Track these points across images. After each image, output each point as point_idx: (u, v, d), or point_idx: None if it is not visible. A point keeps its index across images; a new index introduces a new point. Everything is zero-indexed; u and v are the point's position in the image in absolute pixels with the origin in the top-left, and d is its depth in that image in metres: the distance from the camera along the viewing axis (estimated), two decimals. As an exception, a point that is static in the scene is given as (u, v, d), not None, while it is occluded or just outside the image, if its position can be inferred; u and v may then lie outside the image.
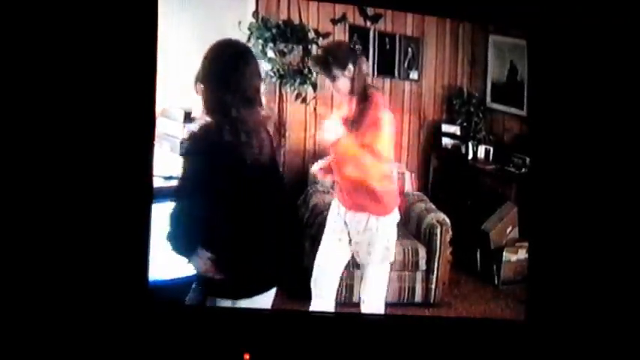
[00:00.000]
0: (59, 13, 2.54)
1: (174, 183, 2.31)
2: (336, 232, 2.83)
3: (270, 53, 3.05)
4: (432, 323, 3.03)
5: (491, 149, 3.43)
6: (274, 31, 3.05)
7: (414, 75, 3.44)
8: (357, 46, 3.20)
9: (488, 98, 3.43)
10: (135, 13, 2.60)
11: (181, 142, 2.59)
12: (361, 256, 2.84)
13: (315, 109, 3.21)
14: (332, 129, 2.70)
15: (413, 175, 3.40)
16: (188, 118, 2.86)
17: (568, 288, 2.95)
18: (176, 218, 2.21)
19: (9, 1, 2.49)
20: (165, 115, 2.85)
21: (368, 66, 2.92)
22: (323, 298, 2.87)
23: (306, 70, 3.11)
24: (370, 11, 3.24)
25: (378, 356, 2.80)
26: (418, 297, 3.15)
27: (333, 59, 2.68)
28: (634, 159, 2.97)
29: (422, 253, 3.15)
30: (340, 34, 3.24)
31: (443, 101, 3.46)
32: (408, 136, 3.45)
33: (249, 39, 3.01)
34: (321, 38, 3.16)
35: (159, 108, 2.72)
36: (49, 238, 2.53)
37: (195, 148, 2.22)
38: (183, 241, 2.24)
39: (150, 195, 2.53)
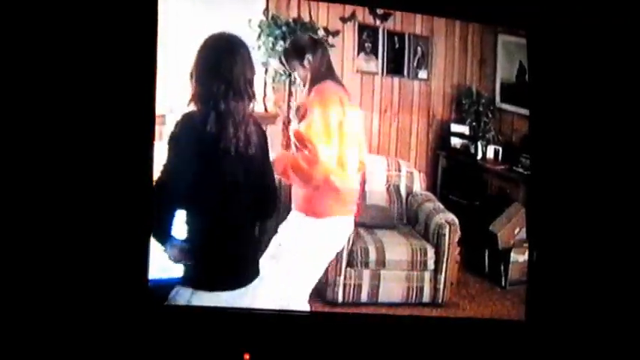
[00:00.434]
0: (59, 13, 2.55)
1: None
2: None
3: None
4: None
5: (500, 149, 3.41)
6: (284, 29, 3.04)
7: (423, 74, 3.42)
8: (325, 41, 3.13)
9: (498, 98, 3.41)
10: (135, 13, 2.61)
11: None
12: None
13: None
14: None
15: (421, 174, 3.39)
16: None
17: (568, 288, 2.95)
18: (155, 205, 2.30)
19: (9, 0, 2.49)
20: (175, 113, 2.84)
21: (325, 59, 2.89)
22: None
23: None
24: (379, 10, 3.23)
25: (378, 356, 2.80)
26: (426, 297, 3.14)
27: (292, 50, 2.82)
28: (634, 160, 2.96)
29: (430, 253, 3.15)
30: (349, 32, 3.23)
31: (452, 101, 3.44)
32: (417, 136, 3.43)
33: (259, 37, 3.01)
34: (330, 36, 3.15)
35: (169, 106, 2.72)
36: (49, 237, 2.53)
37: (176, 136, 2.27)
38: (158, 228, 2.33)
39: (150, 194, 2.51)
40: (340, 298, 3.03)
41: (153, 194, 2.38)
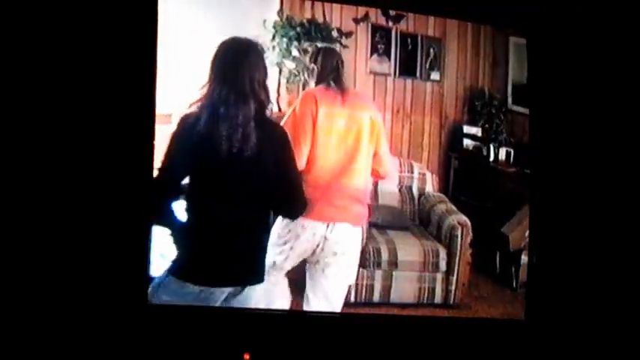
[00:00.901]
0: (59, 13, 2.56)
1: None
2: None
3: (295, 52, 3.05)
4: (446, 324, 3.03)
5: (512, 151, 3.41)
6: (299, 29, 3.05)
7: (435, 76, 3.43)
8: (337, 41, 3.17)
9: (510, 100, 3.41)
10: (135, 12, 2.62)
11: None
12: None
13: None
14: None
15: (434, 175, 3.40)
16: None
17: (568, 288, 2.95)
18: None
19: (9, 0, 2.50)
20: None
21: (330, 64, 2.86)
22: None
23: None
24: (392, 11, 3.23)
25: (388, 357, 2.81)
26: (438, 298, 3.14)
27: (306, 61, 2.89)
28: (636, 162, 2.96)
29: (442, 254, 3.15)
30: (363, 33, 3.24)
31: (464, 102, 3.44)
32: (429, 137, 3.44)
33: (273, 37, 3.02)
34: (344, 37, 3.16)
35: (174, 105, 2.73)
36: (49, 237, 2.53)
37: (175, 134, 2.34)
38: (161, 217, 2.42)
39: (151, 194, 2.53)
40: (352, 298, 3.02)
41: (154, 190, 2.45)
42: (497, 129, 3.42)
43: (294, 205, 2.56)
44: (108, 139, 2.59)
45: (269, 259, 2.59)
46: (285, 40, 3.04)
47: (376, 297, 3.07)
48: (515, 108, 3.40)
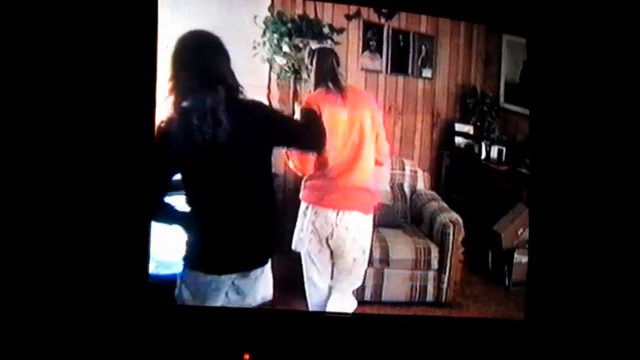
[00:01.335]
0: (59, 13, 2.54)
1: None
2: None
3: (286, 48, 3.04)
4: (438, 323, 3.02)
5: (504, 149, 3.41)
6: (290, 25, 3.03)
7: (427, 73, 3.42)
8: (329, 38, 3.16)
9: (502, 98, 3.41)
10: (135, 12, 2.60)
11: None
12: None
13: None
14: None
15: (425, 173, 3.38)
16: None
17: (567, 287, 2.94)
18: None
19: (9, 0, 2.48)
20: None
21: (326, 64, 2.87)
22: None
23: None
24: (384, 8, 3.23)
25: (381, 356, 2.79)
26: (430, 296, 3.13)
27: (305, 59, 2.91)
28: (634, 159, 2.95)
29: (434, 252, 3.14)
30: (354, 30, 3.23)
31: (456, 100, 3.44)
32: (421, 135, 3.43)
33: (264, 33, 3.00)
34: (335, 33, 3.15)
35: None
36: (49, 236, 2.52)
37: (158, 139, 2.38)
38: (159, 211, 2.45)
39: (150, 191, 2.51)
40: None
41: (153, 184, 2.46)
42: (489, 127, 3.42)
43: (312, 137, 2.64)
44: (108, 137, 2.58)
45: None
46: (275, 36, 3.02)
47: (368, 296, 3.06)
48: (508, 106, 3.41)
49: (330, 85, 2.79)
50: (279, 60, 3.04)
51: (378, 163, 2.94)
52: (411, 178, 3.34)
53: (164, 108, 2.36)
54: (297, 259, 2.89)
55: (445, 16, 3.29)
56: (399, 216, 3.29)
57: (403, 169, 3.33)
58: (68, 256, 2.53)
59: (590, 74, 2.95)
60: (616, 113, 2.95)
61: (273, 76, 3.08)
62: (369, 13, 3.24)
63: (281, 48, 3.03)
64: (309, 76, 2.88)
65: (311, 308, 2.90)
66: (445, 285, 3.14)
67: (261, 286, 2.50)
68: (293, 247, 2.86)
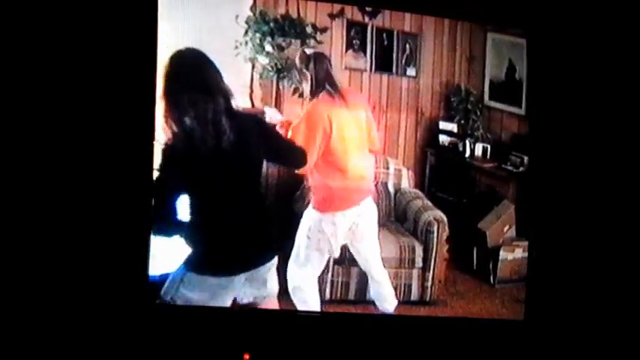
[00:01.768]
0: (59, 12, 2.55)
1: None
2: None
3: (268, 47, 3.03)
4: (422, 321, 3.04)
5: (489, 147, 3.41)
6: (272, 25, 3.03)
7: (411, 71, 3.41)
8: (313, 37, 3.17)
9: (486, 96, 3.41)
10: (135, 12, 2.62)
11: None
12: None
13: (311, 103, 3.18)
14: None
15: (410, 172, 3.38)
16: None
17: (566, 287, 2.95)
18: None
19: (9, 1, 2.49)
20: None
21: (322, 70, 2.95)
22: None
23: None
24: (368, 7, 3.22)
25: (380, 355, 2.81)
26: (414, 295, 3.13)
27: (297, 63, 2.95)
28: (631, 158, 2.96)
29: (418, 250, 3.14)
30: (338, 29, 3.22)
31: (440, 98, 3.43)
32: (405, 133, 3.42)
33: (246, 32, 2.99)
34: (318, 33, 3.14)
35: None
36: (49, 236, 2.54)
37: (162, 164, 2.45)
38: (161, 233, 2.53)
39: (150, 193, 2.52)
40: (327, 296, 3.02)
41: (153, 192, 2.51)
42: (474, 125, 3.41)
43: (295, 159, 2.81)
44: (108, 138, 2.61)
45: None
46: (258, 35, 3.01)
47: (352, 294, 3.07)
48: (492, 104, 3.40)
49: (330, 88, 2.88)
50: (262, 59, 3.03)
51: (373, 151, 3.07)
52: (395, 177, 3.34)
53: (164, 131, 2.40)
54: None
55: (430, 14, 3.28)
56: (383, 215, 3.28)
57: (387, 168, 3.33)
58: (69, 257, 2.56)
59: (586, 73, 2.97)
60: (612, 111, 2.97)
61: (256, 76, 3.07)
62: (352, 12, 3.23)
63: (263, 47, 3.02)
64: (300, 80, 2.94)
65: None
66: (429, 283, 3.14)
67: (272, 279, 2.60)
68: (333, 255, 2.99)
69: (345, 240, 3.00)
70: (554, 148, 3.03)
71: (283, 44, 3.07)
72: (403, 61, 3.39)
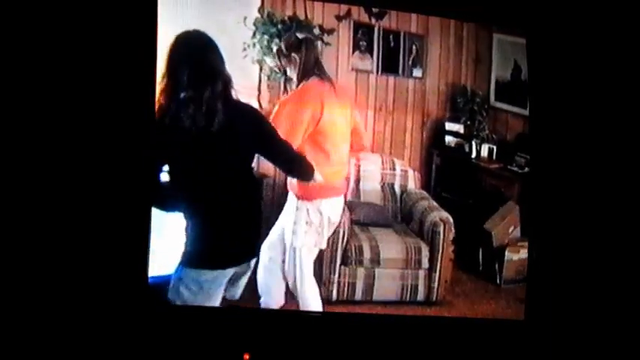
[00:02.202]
0: (59, 12, 2.55)
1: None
2: None
3: (276, 49, 3.03)
4: (429, 322, 3.04)
5: (495, 148, 3.42)
6: (280, 26, 3.03)
7: (417, 73, 3.42)
8: (318, 37, 3.16)
9: (492, 97, 3.41)
10: (135, 12, 2.62)
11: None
12: None
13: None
14: None
15: (416, 172, 3.39)
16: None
17: (567, 287, 2.95)
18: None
19: (9, 1, 2.49)
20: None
21: (312, 55, 2.97)
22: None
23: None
24: (375, 8, 3.23)
25: (380, 355, 2.80)
26: (420, 295, 3.14)
27: (281, 49, 2.94)
28: (633, 158, 2.96)
29: (425, 251, 3.15)
30: (345, 30, 3.23)
31: (446, 99, 3.43)
32: (411, 134, 3.43)
33: (254, 34, 3.00)
34: (326, 34, 3.15)
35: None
36: (48, 236, 2.54)
37: (155, 131, 2.47)
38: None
39: (150, 192, 2.54)
40: (334, 297, 3.03)
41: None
42: (480, 126, 3.42)
43: (302, 168, 2.79)
44: (107, 137, 2.61)
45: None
46: (266, 37, 3.02)
47: (358, 295, 3.07)
48: (498, 105, 3.41)
49: (320, 73, 2.90)
50: (269, 61, 3.04)
51: (363, 147, 3.11)
52: (401, 178, 3.35)
53: (157, 103, 2.43)
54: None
55: (436, 15, 3.29)
56: (390, 215, 3.30)
57: (394, 169, 3.34)
58: (67, 257, 2.55)
59: (587, 74, 2.97)
60: (614, 112, 2.97)
61: (263, 77, 3.08)
62: (359, 14, 3.24)
63: (271, 49, 3.03)
64: (283, 65, 2.95)
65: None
66: (436, 284, 3.15)
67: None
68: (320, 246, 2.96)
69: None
70: (554, 149, 3.03)
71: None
72: (409, 62, 3.40)
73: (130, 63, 2.62)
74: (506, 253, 3.26)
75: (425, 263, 3.15)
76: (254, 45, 3.02)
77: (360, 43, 3.27)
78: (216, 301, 2.55)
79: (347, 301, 3.03)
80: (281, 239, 2.91)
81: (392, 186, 3.33)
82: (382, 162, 3.32)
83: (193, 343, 2.66)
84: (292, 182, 2.94)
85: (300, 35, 2.98)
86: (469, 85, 3.39)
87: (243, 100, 2.66)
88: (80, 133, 2.58)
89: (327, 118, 2.87)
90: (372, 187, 3.28)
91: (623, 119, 2.99)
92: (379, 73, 3.33)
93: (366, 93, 3.31)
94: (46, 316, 2.53)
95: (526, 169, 3.26)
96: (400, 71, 3.39)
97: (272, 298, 2.88)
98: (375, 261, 3.09)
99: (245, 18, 2.99)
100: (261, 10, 3.03)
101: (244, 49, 2.97)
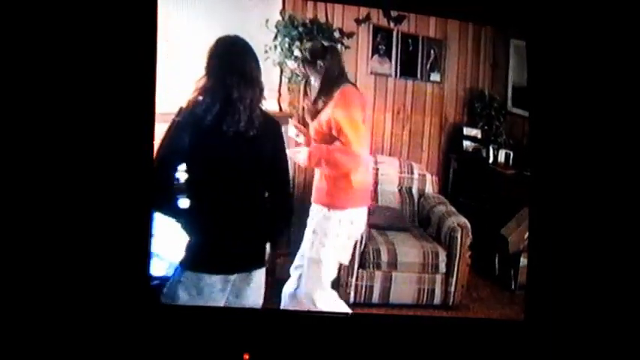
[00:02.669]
0: (59, 12, 2.55)
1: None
2: None
3: (297, 52, 3.04)
4: (445, 325, 3.04)
5: (512, 154, 3.42)
6: (301, 29, 3.04)
7: (435, 77, 3.43)
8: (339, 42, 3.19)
9: (509, 102, 3.41)
10: (135, 12, 2.62)
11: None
12: None
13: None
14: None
15: (433, 177, 3.40)
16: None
17: (567, 287, 2.95)
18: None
19: (9, 0, 2.49)
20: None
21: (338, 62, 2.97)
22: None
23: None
24: (394, 12, 3.23)
25: (379, 355, 2.82)
26: (437, 299, 3.15)
27: (308, 56, 2.93)
28: (633, 160, 2.96)
29: (442, 256, 3.16)
30: (364, 34, 3.24)
31: (464, 104, 3.44)
32: (429, 138, 3.44)
33: (275, 37, 3.01)
34: (345, 37, 3.16)
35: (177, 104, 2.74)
36: (50, 237, 2.53)
37: (181, 121, 2.45)
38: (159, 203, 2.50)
39: (151, 193, 2.53)
40: (352, 299, 3.04)
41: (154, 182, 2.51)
42: (497, 131, 3.42)
43: (285, 193, 2.72)
44: (108, 137, 2.59)
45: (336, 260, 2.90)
46: (287, 39, 3.03)
47: (375, 298, 3.08)
48: (515, 110, 3.40)
49: (348, 80, 2.92)
50: (290, 64, 3.05)
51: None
52: (419, 182, 3.36)
53: (192, 92, 2.45)
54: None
55: (453, 17, 3.30)
56: (407, 219, 3.31)
57: (412, 173, 3.35)
58: (68, 256, 2.55)
59: (590, 77, 2.97)
60: (617, 116, 2.96)
61: (284, 80, 3.10)
62: (378, 18, 3.25)
63: (292, 52, 3.04)
64: (307, 73, 2.96)
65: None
66: (453, 288, 3.16)
67: (256, 289, 2.57)
68: (340, 260, 2.94)
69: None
70: (555, 152, 3.03)
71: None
72: (428, 66, 3.41)
73: (131, 63, 2.62)
74: (522, 258, 3.24)
75: (442, 268, 3.16)
76: (275, 47, 3.03)
77: (379, 47, 3.29)
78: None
79: (364, 304, 3.04)
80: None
81: (409, 190, 3.34)
82: (400, 166, 3.33)
83: (193, 343, 2.66)
84: (320, 191, 2.94)
85: (325, 43, 2.99)
86: (487, 90, 3.40)
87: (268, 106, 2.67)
88: (80, 132, 2.58)
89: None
90: (389, 191, 3.29)
91: (622, 120, 2.98)
92: (397, 76, 3.34)
93: (384, 96, 3.31)
94: (47, 317, 2.52)
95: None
96: (418, 75, 3.41)
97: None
98: (393, 264, 3.10)
99: (267, 20, 3.00)
100: (282, 12, 3.05)
101: (265, 52, 2.98)
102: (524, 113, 3.36)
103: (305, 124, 2.99)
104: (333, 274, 2.93)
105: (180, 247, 2.49)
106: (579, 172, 2.98)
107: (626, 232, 2.95)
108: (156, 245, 2.64)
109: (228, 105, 2.41)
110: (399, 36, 3.32)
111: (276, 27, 3.03)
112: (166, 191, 2.47)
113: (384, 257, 3.09)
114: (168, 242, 2.61)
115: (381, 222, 3.18)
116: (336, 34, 3.14)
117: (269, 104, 2.72)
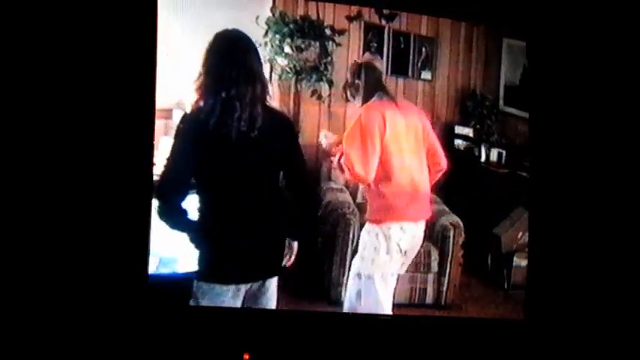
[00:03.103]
0: (59, 12, 2.53)
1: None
2: None
3: (287, 49, 3.04)
4: (437, 324, 3.02)
5: (504, 153, 3.41)
6: (292, 26, 3.04)
7: (427, 75, 3.42)
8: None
9: (501, 101, 3.41)
10: (135, 12, 2.59)
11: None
12: None
13: (329, 106, 3.19)
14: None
15: (426, 175, 3.38)
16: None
17: (567, 287, 2.95)
18: (160, 195, 2.37)
19: (9, 0, 2.47)
20: (182, 107, 2.82)
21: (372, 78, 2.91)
22: None
23: (322, 67, 3.09)
24: (386, 10, 3.22)
25: (378, 355, 2.79)
26: (429, 298, 3.14)
27: (349, 79, 2.90)
28: (633, 162, 2.96)
29: (434, 255, 3.14)
30: (355, 31, 3.23)
31: (456, 103, 3.44)
32: (421, 137, 3.42)
33: (266, 33, 3.00)
34: (336, 35, 3.15)
35: (174, 100, 2.72)
36: (49, 235, 2.51)
37: (185, 129, 2.33)
38: (167, 215, 2.35)
39: (150, 191, 2.49)
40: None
41: (164, 193, 2.39)
42: (489, 130, 3.42)
43: (304, 185, 2.59)
44: (108, 136, 2.57)
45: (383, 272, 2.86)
46: (277, 36, 3.02)
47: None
48: (507, 109, 3.41)
49: (382, 95, 2.83)
50: (281, 61, 3.04)
51: (441, 168, 2.99)
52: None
53: (194, 97, 2.35)
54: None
55: (445, 16, 3.29)
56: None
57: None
58: (68, 256, 2.52)
59: (589, 77, 2.96)
60: (616, 116, 2.96)
61: (275, 77, 3.07)
62: (370, 15, 3.25)
63: (283, 49, 3.04)
64: (353, 94, 2.87)
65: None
66: (445, 288, 3.14)
67: (272, 297, 2.52)
68: (357, 271, 2.87)
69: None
70: (554, 152, 3.02)
71: (302, 46, 3.08)
72: (419, 64, 3.41)
73: (131, 63, 2.59)
74: (515, 258, 3.25)
75: (434, 267, 3.14)
76: (266, 44, 3.01)
77: (371, 44, 3.28)
78: None
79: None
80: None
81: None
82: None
83: (193, 343, 2.64)
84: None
85: (359, 60, 2.97)
86: (479, 89, 3.40)
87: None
88: (80, 131, 2.55)
89: (389, 135, 2.77)
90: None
91: (622, 120, 2.98)
92: (389, 74, 3.32)
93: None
94: (47, 316, 2.50)
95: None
96: (410, 73, 3.41)
97: None
98: (385, 264, 3.06)
99: (257, 17, 2.98)
100: (273, 9, 3.04)
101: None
102: (516, 112, 3.37)
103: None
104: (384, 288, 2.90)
105: (190, 258, 2.43)
106: (579, 172, 2.98)
107: (626, 232, 2.94)
108: (155, 243, 2.60)
109: (228, 103, 2.29)
110: (391, 33, 3.31)
111: (267, 24, 3.02)
112: (177, 206, 2.34)
113: (377, 257, 3.05)
114: (168, 240, 2.57)
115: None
116: (328, 31, 3.13)
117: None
